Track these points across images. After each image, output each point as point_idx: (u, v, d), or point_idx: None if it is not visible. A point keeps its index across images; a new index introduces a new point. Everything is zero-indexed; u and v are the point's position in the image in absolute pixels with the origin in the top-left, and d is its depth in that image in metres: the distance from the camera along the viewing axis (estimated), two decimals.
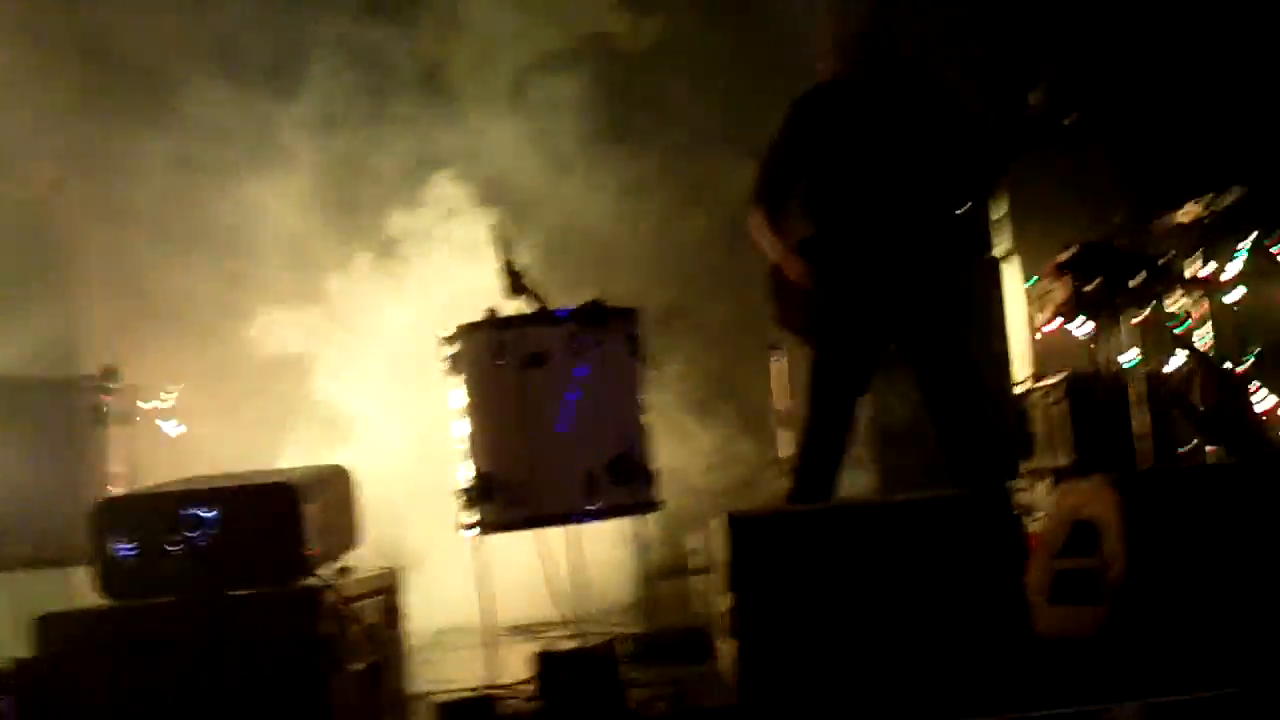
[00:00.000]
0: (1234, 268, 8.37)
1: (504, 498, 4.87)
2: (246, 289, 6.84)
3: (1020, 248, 7.50)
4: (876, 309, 5.28)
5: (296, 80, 7.21)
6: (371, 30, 7.41)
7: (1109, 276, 5.74)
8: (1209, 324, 5.91)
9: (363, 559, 4.65)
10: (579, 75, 7.61)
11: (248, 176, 6.97)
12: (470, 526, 4.94)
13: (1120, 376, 5.82)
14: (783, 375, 6.27)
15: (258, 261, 6.96)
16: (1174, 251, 5.84)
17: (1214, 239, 5.88)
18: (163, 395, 5.73)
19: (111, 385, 5.18)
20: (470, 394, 5.02)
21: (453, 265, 6.70)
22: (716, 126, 7.55)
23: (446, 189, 7.07)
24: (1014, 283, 7.39)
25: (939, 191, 5.33)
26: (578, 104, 7.54)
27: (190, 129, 6.92)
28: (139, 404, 5.47)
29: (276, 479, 4.34)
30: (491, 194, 7.07)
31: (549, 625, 5.60)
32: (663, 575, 6.95)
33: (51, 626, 4.13)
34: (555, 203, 7.35)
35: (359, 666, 4.31)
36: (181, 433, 5.77)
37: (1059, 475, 6.22)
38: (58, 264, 6.33)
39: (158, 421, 5.70)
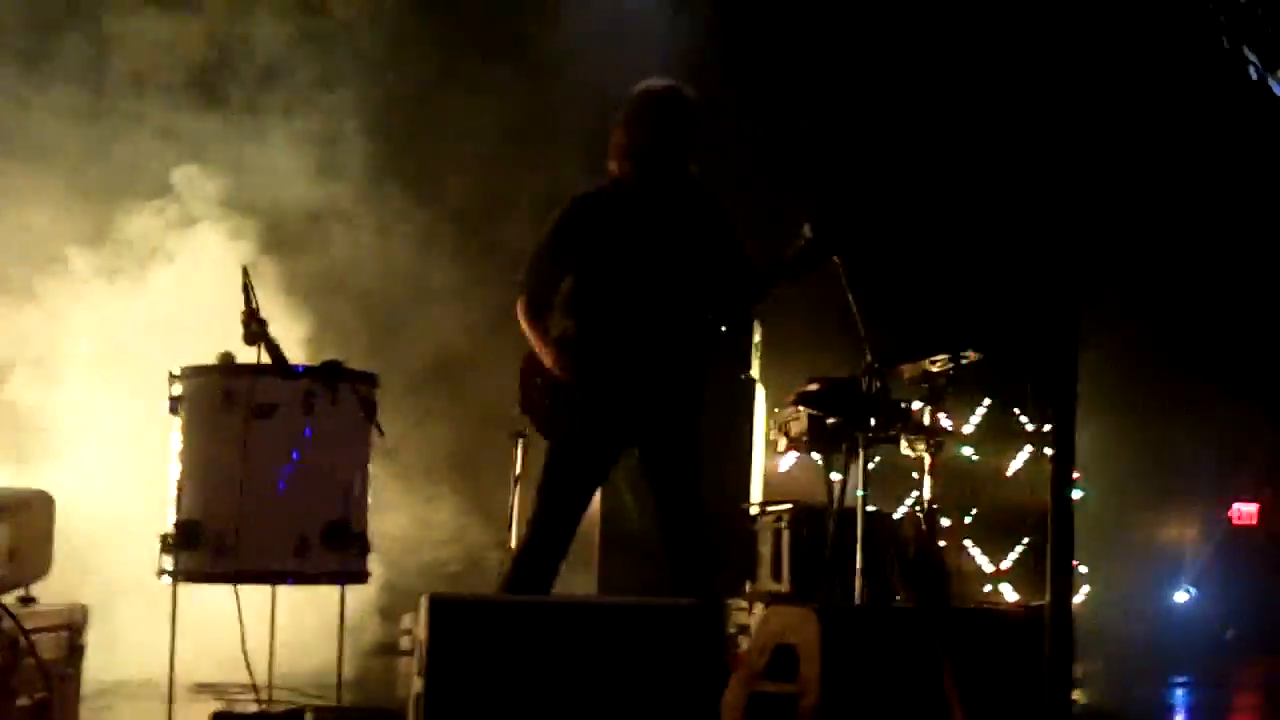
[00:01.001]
0: (969, 426, 8.79)
1: (210, 548, 4.75)
2: None
3: (766, 375, 7.72)
4: (622, 410, 5.35)
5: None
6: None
7: (850, 414, 5.92)
8: (936, 476, 6.13)
9: (50, 591, 4.48)
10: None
11: None
12: (169, 573, 4.80)
13: (848, 511, 5.98)
14: (520, 462, 6.29)
15: None
16: (915, 400, 6.04)
17: (950, 394, 6.12)
18: None
19: None
20: (190, 437, 4.91)
21: (198, 285, 6.52)
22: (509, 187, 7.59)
23: (202, 199, 6.92)
24: (761, 406, 7.60)
25: (699, 305, 5.46)
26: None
27: None
28: None
29: None
30: (254, 221, 6.95)
31: (240, 687, 5.45)
32: (372, 651, 6.86)
33: None
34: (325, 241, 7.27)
35: (26, 702, 4.15)
36: None
37: (773, 600, 6.35)
38: None
39: None
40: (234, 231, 6.81)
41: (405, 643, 7.63)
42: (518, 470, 6.23)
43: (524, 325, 5.45)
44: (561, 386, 5.33)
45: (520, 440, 6.23)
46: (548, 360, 5.38)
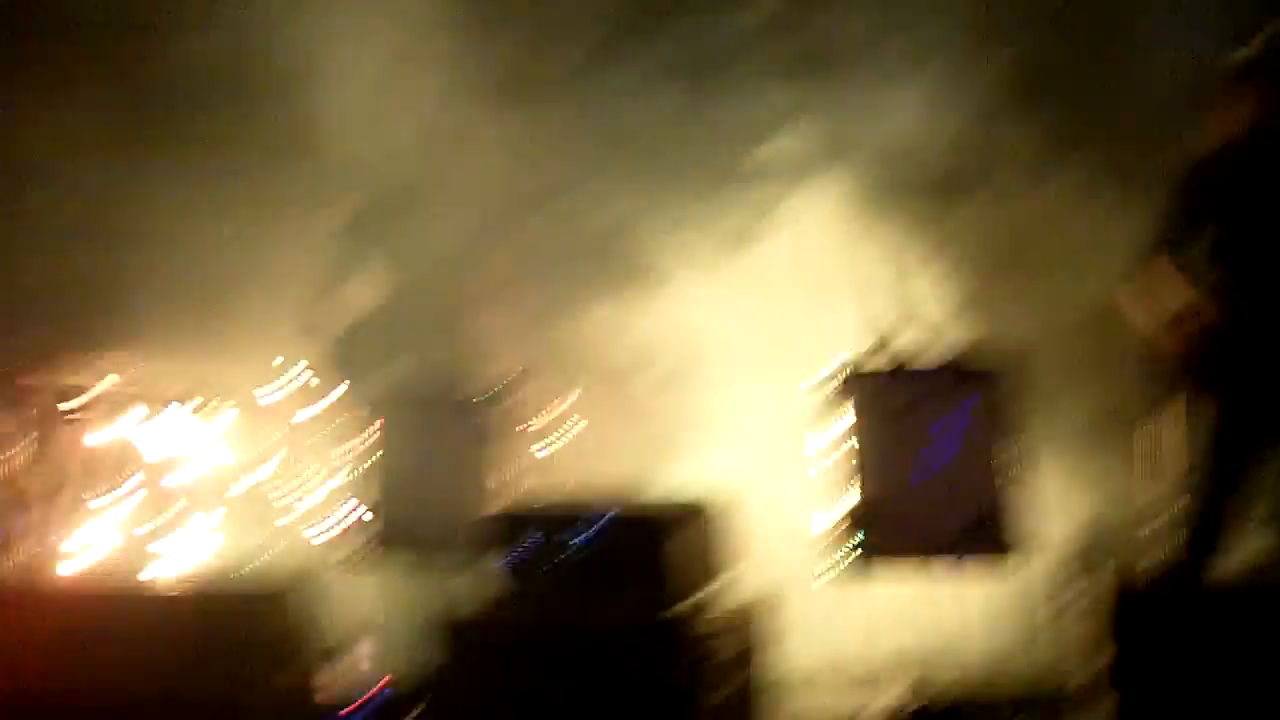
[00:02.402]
0: None
1: (877, 533, 5.07)
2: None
3: None
4: None
5: None
6: None
7: None
8: None
9: (724, 593, 4.80)
10: None
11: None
12: (844, 556, 5.11)
13: None
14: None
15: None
16: None
17: None
18: (536, 417, 5.99)
19: (500, 405, 5.51)
20: (854, 430, 5.20)
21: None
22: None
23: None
24: None
25: None
26: None
27: None
28: (518, 423, 5.74)
29: (646, 512, 4.56)
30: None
31: (898, 672, 5.63)
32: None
33: (442, 627, 4.48)
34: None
35: (717, 700, 4.46)
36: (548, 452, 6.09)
37: None
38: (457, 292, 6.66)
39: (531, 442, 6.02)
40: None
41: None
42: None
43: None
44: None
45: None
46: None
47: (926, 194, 6.83)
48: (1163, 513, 5.53)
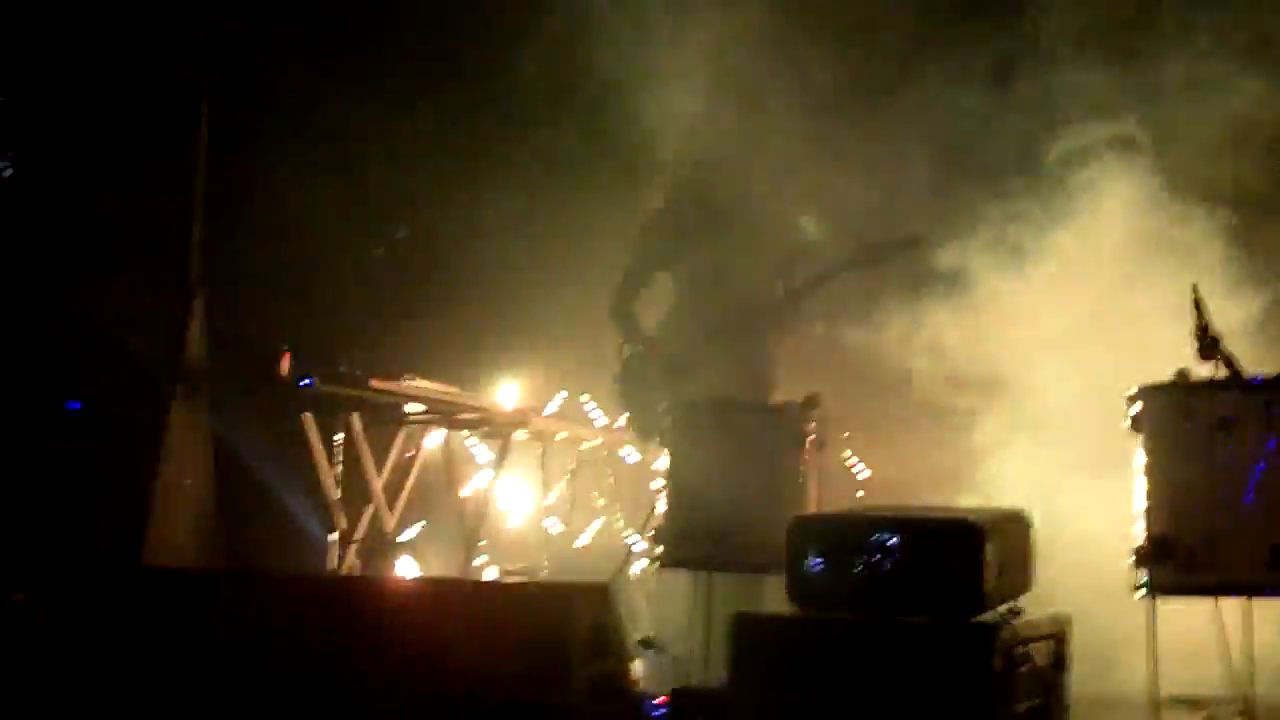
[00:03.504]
0: None
1: (1181, 561, 4.94)
2: None
3: None
4: None
5: None
6: None
7: None
8: None
9: (1032, 604, 4.88)
10: None
11: None
12: (1145, 586, 5.05)
13: None
14: None
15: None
16: None
17: None
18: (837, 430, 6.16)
19: (812, 413, 5.70)
20: (1152, 453, 5.12)
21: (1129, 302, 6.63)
22: None
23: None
24: None
25: None
26: None
27: None
28: (821, 434, 5.90)
29: (960, 516, 4.68)
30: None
31: (1215, 701, 5.58)
32: None
33: (744, 624, 4.69)
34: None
35: (1025, 708, 4.55)
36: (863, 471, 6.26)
37: None
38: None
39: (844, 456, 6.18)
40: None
41: None
42: None
43: None
44: None
45: None
46: None
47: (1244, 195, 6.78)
48: None
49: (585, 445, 8.16)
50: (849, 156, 6.99)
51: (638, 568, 6.92)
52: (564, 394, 8.30)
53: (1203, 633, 5.13)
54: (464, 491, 7.62)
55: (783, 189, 6.78)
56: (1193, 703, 5.82)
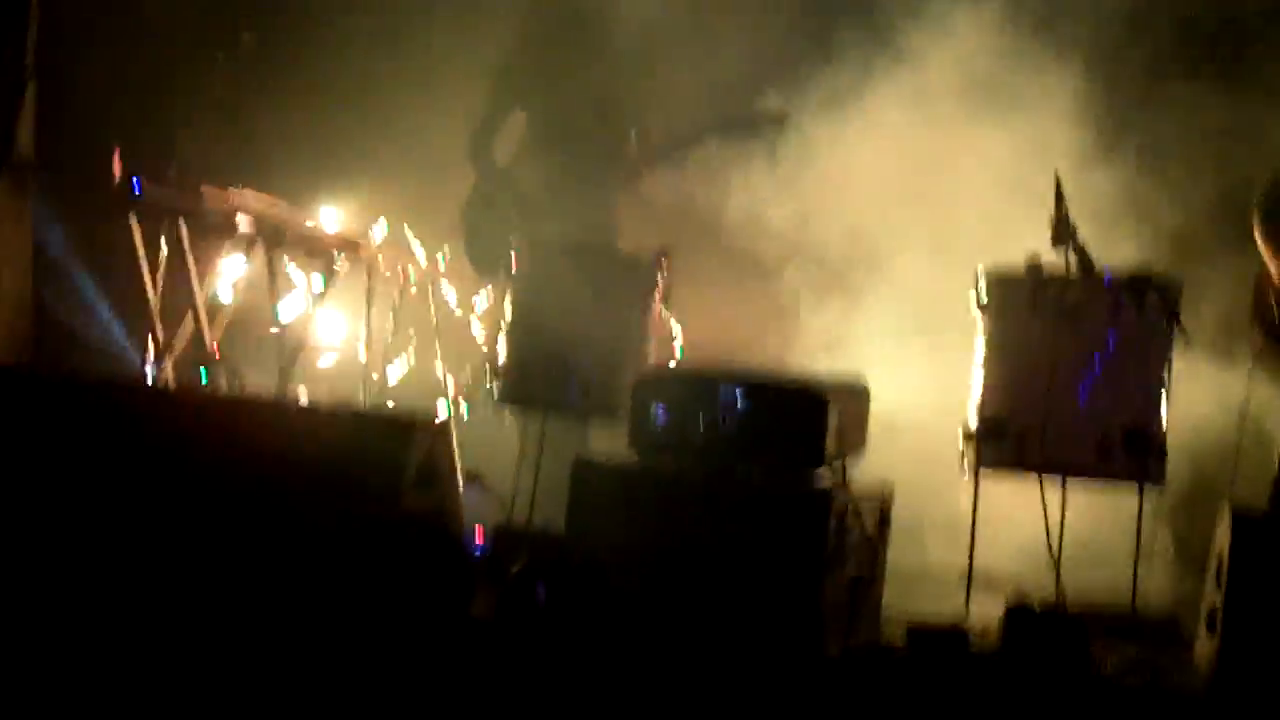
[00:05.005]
0: None
1: (1014, 442, 5.12)
2: None
3: None
4: None
5: None
6: None
7: None
8: None
9: (863, 471, 5.04)
10: None
11: None
12: (976, 464, 5.22)
13: None
14: None
15: None
16: None
17: None
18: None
19: (664, 267, 5.73)
20: (995, 336, 5.28)
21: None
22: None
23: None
24: None
25: None
26: None
27: None
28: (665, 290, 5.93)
29: (807, 380, 4.79)
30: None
31: (1023, 579, 5.83)
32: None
33: (583, 469, 4.75)
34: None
35: (852, 571, 4.72)
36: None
37: None
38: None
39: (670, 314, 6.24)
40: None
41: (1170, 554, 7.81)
42: None
43: (1260, 238, 5.62)
44: None
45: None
46: None
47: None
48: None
49: (410, 279, 8.09)
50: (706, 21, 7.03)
51: (465, 405, 6.93)
52: (384, 223, 8.20)
53: (1022, 515, 5.35)
54: (285, 316, 7.48)
55: (645, 44, 6.73)
56: (1003, 581, 6.11)
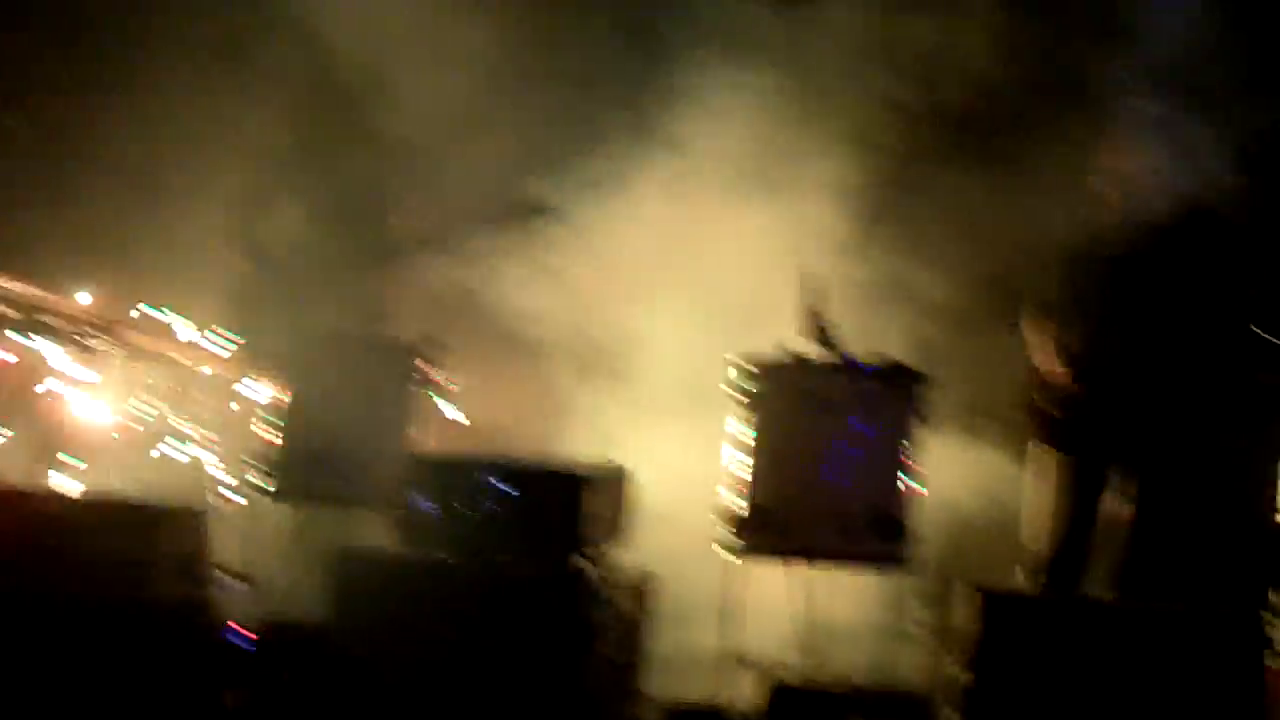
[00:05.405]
0: None
1: (770, 528, 5.29)
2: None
3: None
4: (1128, 424, 5.82)
5: None
6: None
7: None
8: None
9: (628, 557, 5.13)
10: None
11: None
12: (735, 550, 5.36)
13: None
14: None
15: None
16: None
17: None
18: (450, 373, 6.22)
19: (427, 352, 5.77)
20: (753, 426, 5.45)
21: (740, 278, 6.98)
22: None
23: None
24: None
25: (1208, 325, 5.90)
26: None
27: None
28: (433, 376, 5.97)
29: (566, 467, 4.88)
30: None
31: (782, 664, 5.97)
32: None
33: (346, 560, 4.76)
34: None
35: (611, 653, 4.79)
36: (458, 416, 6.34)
37: None
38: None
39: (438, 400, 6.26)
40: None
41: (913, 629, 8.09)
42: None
43: (1031, 336, 5.99)
44: (1067, 397, 5.79)
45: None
46: (1056, 366, 5.86)
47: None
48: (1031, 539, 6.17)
49: (177, 363, 7.98)
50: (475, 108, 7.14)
51: (234, 496, 6.83)
52: (144, 307, 8.09)
53: (777, 598, 5.50)
54: (44, 402, 7.31)
55: (413, 133, 6.79)
56: (762, 663, 6.25)
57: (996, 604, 4.80)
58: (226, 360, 7.28)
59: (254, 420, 6.36)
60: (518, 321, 6.96)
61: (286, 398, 5.76)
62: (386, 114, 6.60)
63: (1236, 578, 6.89)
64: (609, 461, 5.31)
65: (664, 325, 6.86)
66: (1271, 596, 6.86)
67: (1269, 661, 5.29)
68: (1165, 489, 5.94)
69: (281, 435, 5.75)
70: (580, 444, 6.51)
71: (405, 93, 6.63)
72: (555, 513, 4.73)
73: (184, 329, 8.06)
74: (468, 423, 6.33)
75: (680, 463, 6.45)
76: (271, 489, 5.77)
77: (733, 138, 7.16)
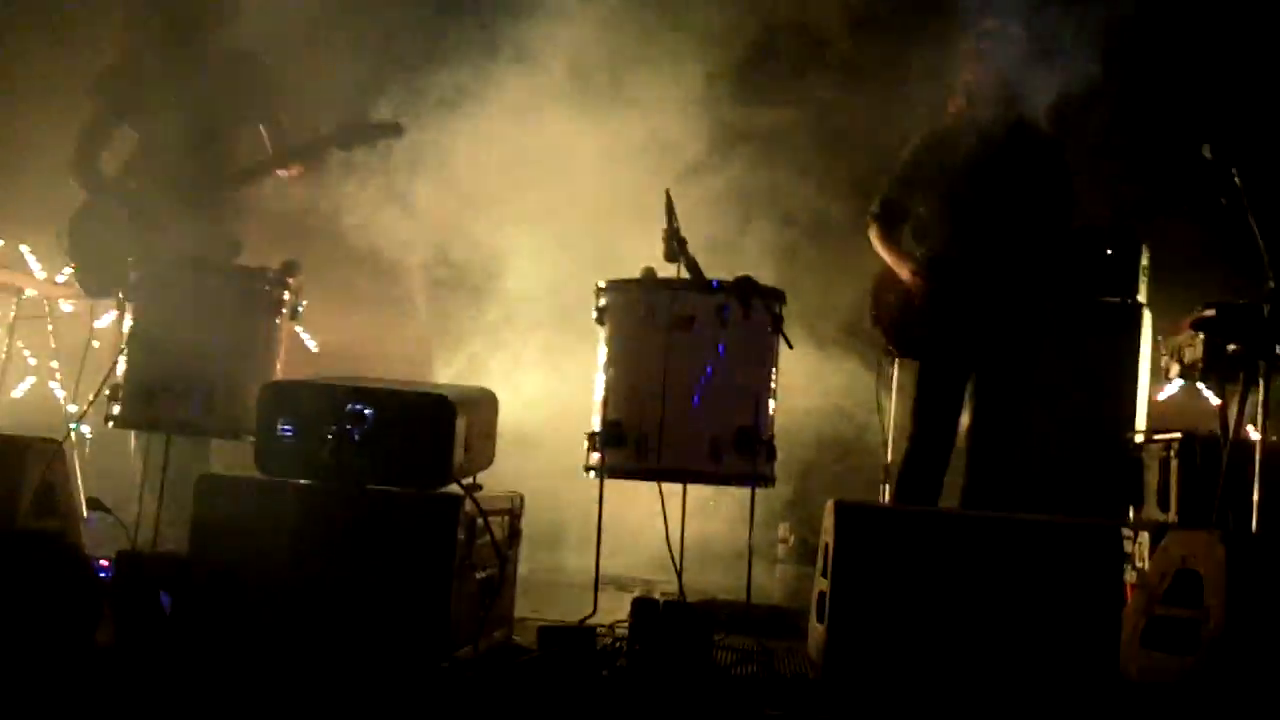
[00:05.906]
0: None
1: (633, 448, 5.32)
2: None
3: (1153, 301, 7.88)
4: (966, 332, 6.14)
5: None
6: None
7: (1251, 341, 6.10)
8: None
9: (492, 481, 5.18)
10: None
11: None
12: (596, 469, 5.43)
13: (1242, 442, 6.16)
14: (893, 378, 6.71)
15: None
16: None
17: None
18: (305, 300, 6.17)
19: (291, 280, 5.72)
20: (614, 346, 5.47)
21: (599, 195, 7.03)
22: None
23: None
24: (1148, 332, 7.78)
25: (1040, 233, 6.17)
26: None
27: None
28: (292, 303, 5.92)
29: (435, 391, 4.88)
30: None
31: (651, 581, 6.10)
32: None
33: (209, 487, 4.75)
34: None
35: (480, 578, 4.85)
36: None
37: (1162, 530, 6.60)
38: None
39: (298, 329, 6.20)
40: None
41: (781, 551, 8.33)
42: (894, 386, 6.67)
43: (879, 245, 6.33)
44: (913, 303, 6.12)
45: (891, 356, 6.60)
46: (904, 273, 6.17)
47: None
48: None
49: (26, 295, 7.85)
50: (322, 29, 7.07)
51: (85, 427, 6.77)
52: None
53: (646, 520, 5.59)
54: None
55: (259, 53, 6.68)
56: (632, 581, 6.38)
57: (849, 515, 4.93)
58: (79, 292, 7.18)
59: (93, 351, 6.28)
60: (379, 247, 6.94)
61: (132, 328, 5.62)
62: (231, 34, 6.49)
63: (1093, 492, 7.19)
64: (480, 387, 5.33)
65: (526, 245, 6.89)
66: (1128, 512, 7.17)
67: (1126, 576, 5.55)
68: (1005, 399, 6.17)
69: (131, 366, 5.60)
70: (445, 368, 6.55)
71: (249, 10, 6.53)
72: (424, 438, 4.73)
73: (34, 261, 7.95)
74: (323, 349, 6.32)
75: (550, 386, 6.53)
76: (123, 421, 5.63)
77: (586, 50, 7.18)
